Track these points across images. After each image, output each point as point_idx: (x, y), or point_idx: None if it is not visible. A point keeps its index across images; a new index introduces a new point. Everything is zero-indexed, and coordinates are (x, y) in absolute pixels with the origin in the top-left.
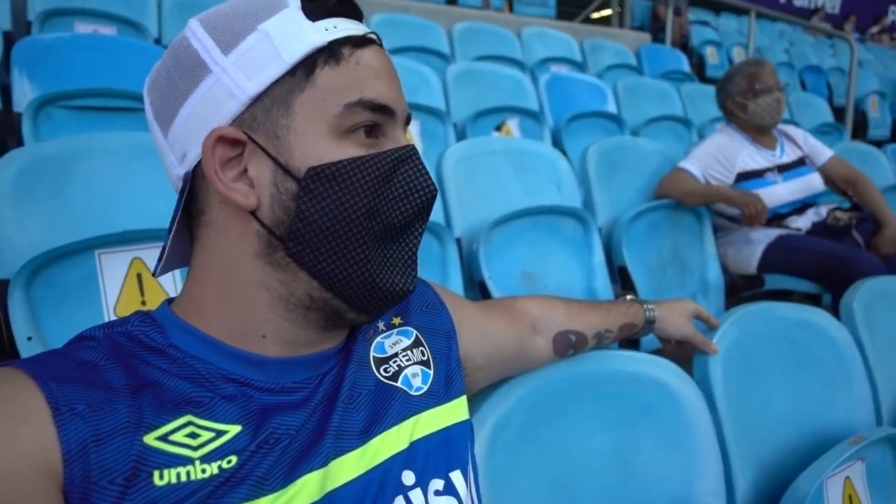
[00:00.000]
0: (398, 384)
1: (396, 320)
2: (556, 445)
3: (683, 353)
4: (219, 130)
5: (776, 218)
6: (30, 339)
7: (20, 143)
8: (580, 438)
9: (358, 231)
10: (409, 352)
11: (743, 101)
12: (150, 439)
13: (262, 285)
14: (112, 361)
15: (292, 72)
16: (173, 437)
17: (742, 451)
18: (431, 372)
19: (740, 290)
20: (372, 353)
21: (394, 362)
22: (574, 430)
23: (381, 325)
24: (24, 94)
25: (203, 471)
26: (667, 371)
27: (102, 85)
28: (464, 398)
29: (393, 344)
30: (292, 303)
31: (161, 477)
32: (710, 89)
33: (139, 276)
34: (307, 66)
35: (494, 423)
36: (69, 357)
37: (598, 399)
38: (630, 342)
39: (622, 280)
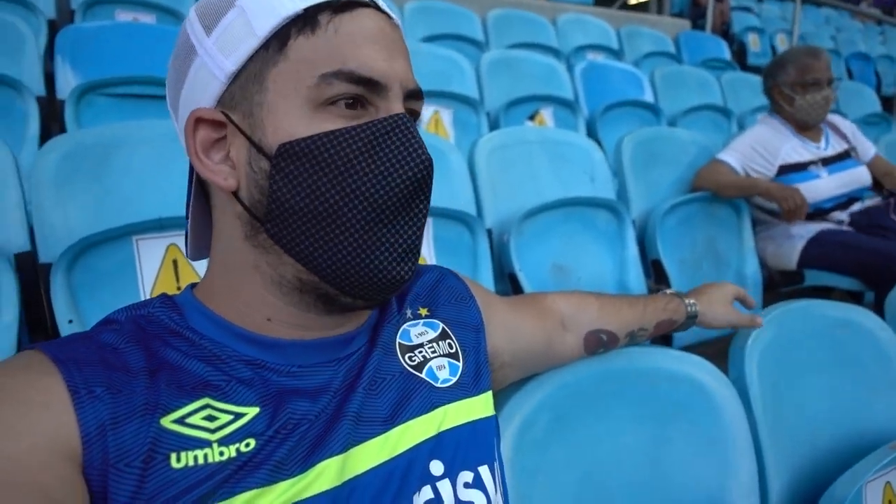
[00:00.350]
0: (422, 375)
1: (424, 311)
2: (585, 443)
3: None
4: (197, 112)
5: (819, 213)
6: (70, 321)
7: (62, 129)
8: (610, 436)
9: (337, 211)
10: (434, 344)
11: (790, 94)
12: (167, 422)
13: (255, 268)
14: (132, 344)
15: (266, 45)
16: (190, 420)
17: (777, 453)
18: (461, 364)
19: (779, 285)
20: (398, 340)
21: (419, 352)
22: (603, 428)
23: (408, 312)
24: (66, 81)
25: (221, 453)
26: (700, 369)
27: (141, 73)
28: (490, 393)
29: (419, 334)
30: (284, 286)
31: (178, 459)
32: (752, 78)
33: (175, 262)
34: (280, 38)
35: (522, 419)
36: (91, 340)
37: (629, 397)
38: (662, 336)
39: (656, 273)
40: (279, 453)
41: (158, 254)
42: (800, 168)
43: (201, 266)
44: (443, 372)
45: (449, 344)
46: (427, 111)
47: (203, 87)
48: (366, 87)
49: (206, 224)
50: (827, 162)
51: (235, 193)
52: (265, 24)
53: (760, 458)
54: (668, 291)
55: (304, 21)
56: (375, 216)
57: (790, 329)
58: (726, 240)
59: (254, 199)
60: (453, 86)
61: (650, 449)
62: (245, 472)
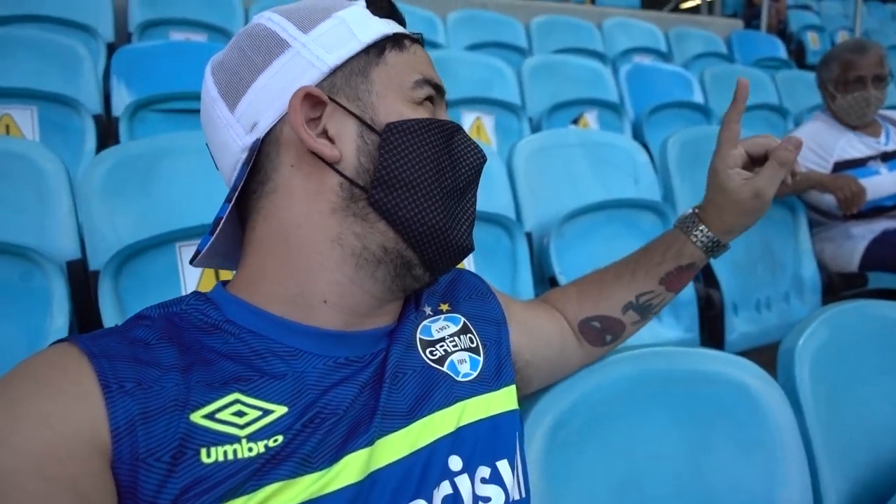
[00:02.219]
0: (444, 369)
1: (444, 306)
2: (622, 446)
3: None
4: (306, 88)
5: (879, 211)
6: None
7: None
8: (648, 439)
9: (433, 182)
10: (456, 338)
11: (833, 92)
12: (197, 417)
13: (335, 241)
14: (164, 340)
15: (366, 50)
16: (220, 416)
17: (833, 461)
18: (481, 359)
19: (839, 289)
20: (418, 336)
21: (440, 346)
22: (641, 431)
23: (427, 309)
24: (121, 99)
25: (250, 449)
26: (745, 371)
27: (191, 89)
28: (513, 388)
29: (440, 329)
30: (364, 258)
31: (209, 455)
32: (809, 76)
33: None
34: (378, 48)
35: (554, 418)
36: (123, 335)
37: (669, 399)
38: (715, 340)
39: (705, 277)
40: (307, 447)
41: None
42: (857, 164)
43: None
44: (464, 366)
45: (470, 338)
46: (469, 118)
47: (297, 74)
48: (436, 92)
49: (224, 233)
50: (887, 157)
51: (333, 166)
52: (367, 35)
53: (814, 467)
54: (676, 223)
55: (394, 41)
56: (457, 190)
57: (846, 330)
58: (781, 241)
59: (361, 168)
60: (495, 92)
61: (691, 455)
62: (272, 466)
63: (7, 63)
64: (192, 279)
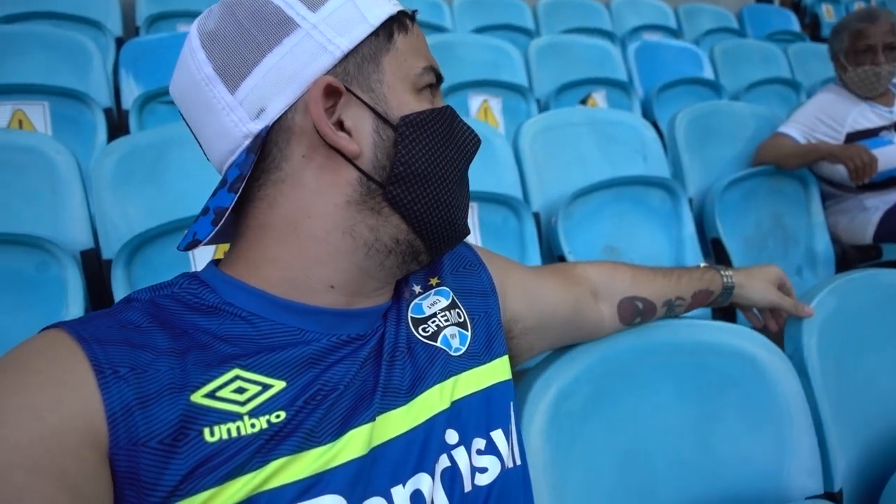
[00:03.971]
0: (438, 344)
1: (434, 280)
2: (626, 418)
3: (774, 328)
4: (326, 79)
5: (893, 181)
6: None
7: None
8: (653, 412)
9: (445, 174)
10: (447, 312)
11: (844, 63)
12: (198, 397)
13: (347, 233)
14: (156, 323)
15: (376, 33)
16: (220, 394)
17: (842, 430)
18: (469, 333)
19: (853, 261)
20: (410, 315)
21: (433, 322)
22: (646, 403)
23: (416, 287)
24: (130, 92)
25: (252, 425)
26: (751, 341)
27: None
28: (505, 358)
29: (431, 304)
30: (376, 248)
31: (212, 433)
32: (822, 48)
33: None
34: (386, 31)
35: (558, 390)
36: (114, 318)
37: (673, 371)
38: (725, 313)
39: (716, 253)
40: (310, 422)
41: (210, 246)
42: (870, 135)
43: None
44: (455, 340)
45: (458, 313)
46: (476, 100)
47: (308, 59)
48: (437, 78)
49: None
50: None
51: (350, 160)
52: (376, 16)
53: (822, 437)
54: (703, 265)
55: (398, 21)
56: (459, 177)
57: (855, 300)
58: (793, 215)
59: (378, 164)
60: (501, 74)
61: (697, 425)
62: (276, 441)
63: (18, 59)
64: (204, 266)
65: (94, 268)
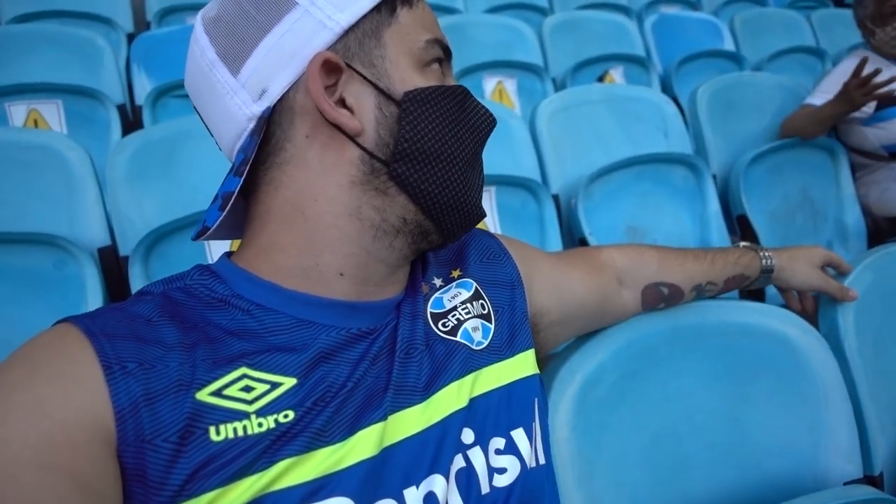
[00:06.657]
0: (458, 338)
1: (455, 272)
2: (655, 403)
3: (811, 311)
4: (324, 54)
5: None
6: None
7: None
8: (684, 396)
9: (453, 153)
10: (468, 304)
11: (871, 27)
12: (204, 395)
13: (353, 215)
14: (166, 317)
15: (378, 8)
16: (227, 392)
17: (881, 411)
18: (492, 326)
19: (886, 235)
20: (429, 310)
21: (452, 316)
22: (675, 387)
23: (438, 281)
24: (143, 87)
25: (259, 425)
26: (784, 321)
27: None
28: (530, 352)
29: (452, 297)
30: (383, 230)
31: (218, 432)
32: (848, 13)
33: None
34: (389, 5)
35: (584, 378)
36: (124, 311)
37: (702, 353)
38: (754, 294)
39: (742, 230)
40: (318, 422)
41: (226, 241)
42: None
43: None
44: (477, 334)
45: (482, 304)
46: (490, 82)
47: (308, 36)
48: (445, 53)
49: (236, 201)
50: None
51: (353, 138)
52: None
53: (860, 417)
54: (744, 244)
55: None
56: (470, 158)
57: (891, 275)
58: (822, 188)
59: (382, 141)
60: (515, 54)
61: (729, 408)
62: (283, 442)
63: (31, 59)
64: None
65: (112, 264)
